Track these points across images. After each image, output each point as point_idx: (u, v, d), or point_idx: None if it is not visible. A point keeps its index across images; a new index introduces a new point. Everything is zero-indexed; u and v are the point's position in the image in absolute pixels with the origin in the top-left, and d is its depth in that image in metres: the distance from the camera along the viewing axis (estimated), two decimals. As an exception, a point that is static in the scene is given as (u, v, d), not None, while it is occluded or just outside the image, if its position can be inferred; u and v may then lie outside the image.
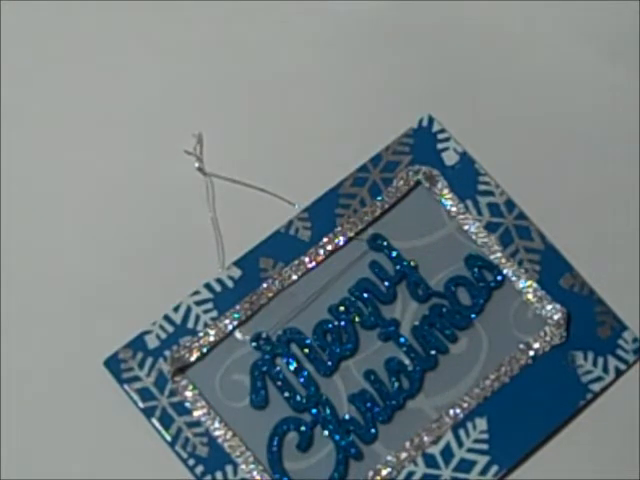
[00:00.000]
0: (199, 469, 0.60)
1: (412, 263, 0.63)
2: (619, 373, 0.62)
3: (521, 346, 0.62)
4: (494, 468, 0.60)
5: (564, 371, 0.62)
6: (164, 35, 0.68)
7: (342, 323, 0.62)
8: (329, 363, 0.61)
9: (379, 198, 0.64)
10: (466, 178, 0.65)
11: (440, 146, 0.65)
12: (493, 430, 0.60)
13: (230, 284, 0.62)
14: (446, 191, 0.64)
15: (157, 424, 0.60)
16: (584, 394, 0.61)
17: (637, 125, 0.67)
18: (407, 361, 0.62)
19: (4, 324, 0.62)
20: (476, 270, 0.63)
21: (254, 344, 0.62)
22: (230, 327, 0.62)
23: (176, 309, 0.62)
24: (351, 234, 0.64)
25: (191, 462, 0.60)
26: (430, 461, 0.60)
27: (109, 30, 0.68)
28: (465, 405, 0.61)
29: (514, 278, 0.63)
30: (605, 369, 0.62)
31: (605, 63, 0.68)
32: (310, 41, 0.68)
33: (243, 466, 0.60)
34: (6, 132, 0.66)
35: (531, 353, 0.62)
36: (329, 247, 0.63)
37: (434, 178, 0.65)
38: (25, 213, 0.64)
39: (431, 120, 0.66)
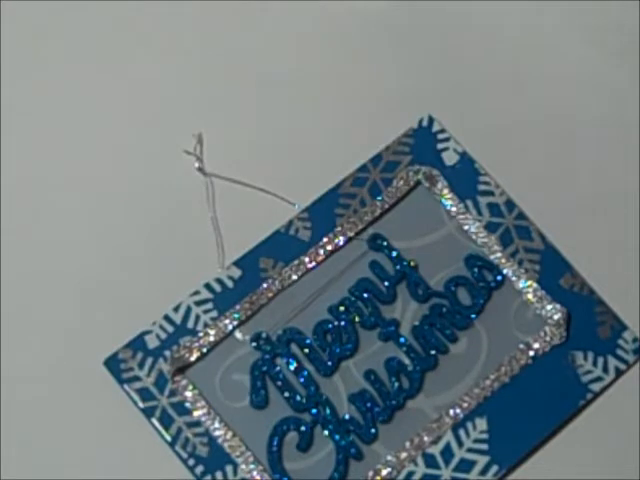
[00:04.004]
0: (199, 469, 0.60)
1: (412, 263, 0.63)
2: (619, 373, 0.62)
3: (521, 346, 0.62)
4: (494, 468, 0.60)
5: (564, 371, 0.62)
6: (164, 35, 0.68)
7: (342, 323, 0.62)
8: (329, 363, 0.61)
9: (379, 198, 0.64)
10: (466, 178, 0.65)
11: (440, 146, 0.65)
12: (493, 430, 0.60)
13: (230, 284, 0.62)
14: (446, 191, 0.64)
15: (157, 424, 0.60)
16: (584, 394, 0.61)
17: (637, 125, 0.67)
18: (407, 361, 0.62)
19: (4, 324, 0.62)
20: (476, 270, 0.63)
21: (254, 344, 0.62)
22: (230, 327, 0.62)
23: (176, 309, 0.62)
24: (351, 234, 0.64)
25: (191, 462, 0.60)
26: (430, 461, 0.60)
27: (109, 30, 0.68)
28: (465, 405, 0.61)
29: (514, 278, 0.63)
30: (605, 369, 0.62)
31: (606, 64, 0.68)
32: (310, 41, 0.68)
33: (243, 466, 0.60)
34: (6, 132, 0.66)
35: (531, 353, 0.62)
36: (329, 247, 0.63)
37: (434, 178, 0.65)
38: (25, 213, 0.64)
39: (431, 120, 0.66)
